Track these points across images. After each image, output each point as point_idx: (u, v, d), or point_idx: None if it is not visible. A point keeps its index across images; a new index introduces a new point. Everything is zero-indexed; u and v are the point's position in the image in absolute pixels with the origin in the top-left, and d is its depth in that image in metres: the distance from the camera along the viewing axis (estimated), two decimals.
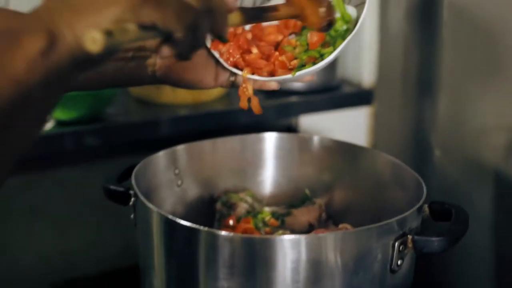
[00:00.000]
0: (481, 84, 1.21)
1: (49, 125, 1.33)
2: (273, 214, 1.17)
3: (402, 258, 0.90)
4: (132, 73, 0.92)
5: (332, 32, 0.94)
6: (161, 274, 0.95)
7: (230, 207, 1.17)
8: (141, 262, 1.01)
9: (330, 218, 1.19)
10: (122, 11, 0.59)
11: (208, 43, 0.93)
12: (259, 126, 1.17)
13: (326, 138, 1.23)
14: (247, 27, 0.95)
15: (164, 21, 0.62)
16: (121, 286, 1.23)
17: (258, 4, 0.98)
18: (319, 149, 1.21)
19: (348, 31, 0.93)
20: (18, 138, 0.59)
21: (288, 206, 1.19)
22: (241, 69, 0.92)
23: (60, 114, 1.32)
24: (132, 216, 1.00)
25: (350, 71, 1.60)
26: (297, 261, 0.85)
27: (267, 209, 1.20)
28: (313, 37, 0.94)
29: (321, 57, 0.92)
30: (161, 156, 1.10)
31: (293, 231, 1.12)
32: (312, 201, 1.19)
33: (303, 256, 0.86)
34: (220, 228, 1.12)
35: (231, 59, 0.92)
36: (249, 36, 0.95)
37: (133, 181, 0.98)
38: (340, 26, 0.93)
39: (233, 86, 0.97)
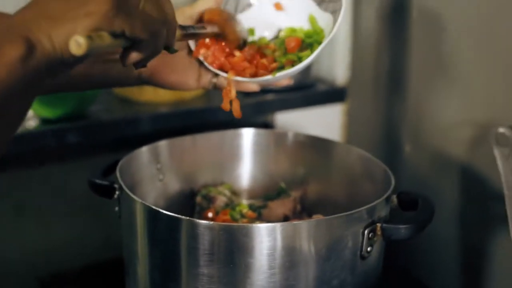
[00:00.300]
0: (447, 82, 1.22)
1: (33, 123, 1.32)
2: (250, 207, 1.18)
3: (371, 245, 0.92)
4: (119, 75, 0.96)
5: (307, 39, 0.99)
6: (145, 262, 0.95)
7: (210, 200, 1.18)
8: (125, 252, 1.01)
9: (305, 210, 1.20)
10: (98, 21, 0.63)
11: (192, 46, 0.98)
12: (236, 122, 1.18)
13: (301, 134, 1.23)
14: None
15: (132, 30, 0.67)
16: (105, 278, 1.22)
17: (240, 7, 1.03)
18: (294, 144, 1.22)
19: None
20: None
21: (265, 199, 1.21)
22: (226, 71, 0.95)
23: (44, 112, 1.31)
24: (116, 208, 1.01)
25: (324, 70, 1.59)
26: (273, 248, 0.87)
27: (244, 202, 1.21)
28: (290, 42, 0.99)
29: (299, 59, 0.95)
30: (144, 152, 1.11)
31: (269, 223, 1.14)
32: (287, 194, 1.20)
33: (279, 243, 0.87)
34: None
35: (216, 61, 0.95)
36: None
37: (118, 175, 0.99)
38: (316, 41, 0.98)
39: (215, 87, 1.01)
